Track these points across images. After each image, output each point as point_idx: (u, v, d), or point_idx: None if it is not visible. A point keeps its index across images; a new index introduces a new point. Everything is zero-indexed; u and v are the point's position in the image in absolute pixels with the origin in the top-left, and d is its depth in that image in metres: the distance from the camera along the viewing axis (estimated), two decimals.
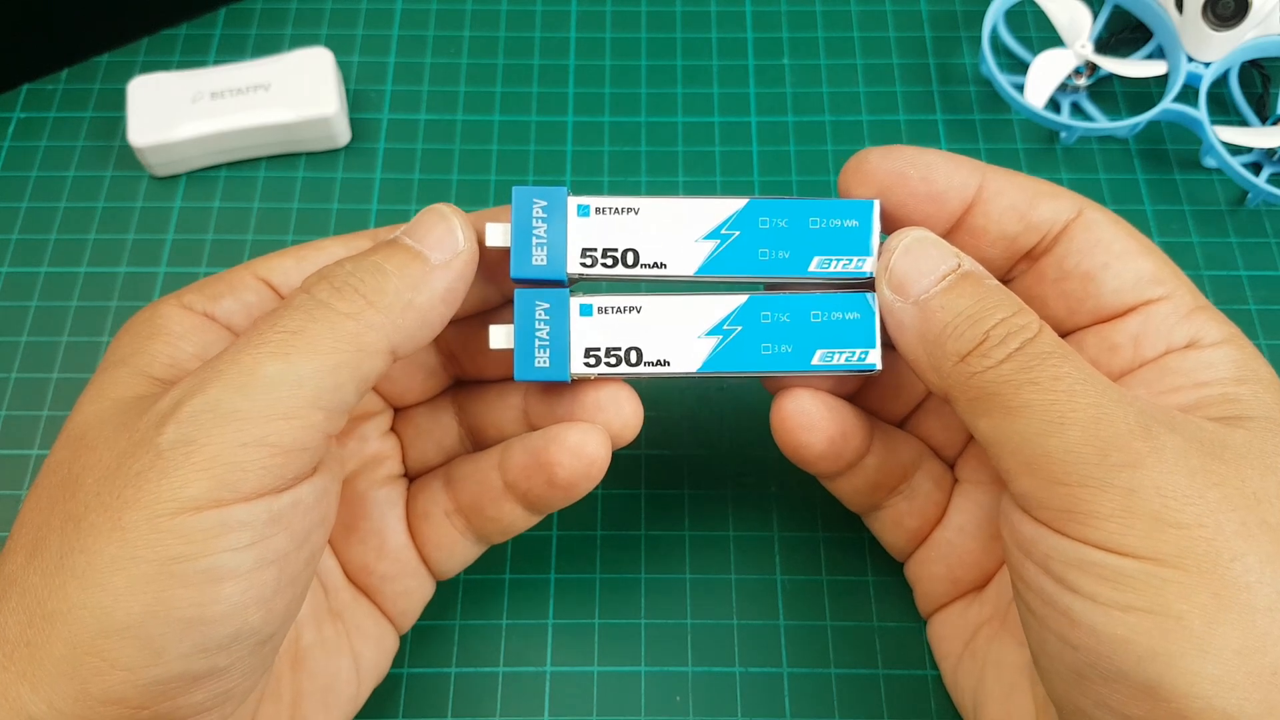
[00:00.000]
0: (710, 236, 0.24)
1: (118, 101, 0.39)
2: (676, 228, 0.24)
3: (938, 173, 0.24)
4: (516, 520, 0.26)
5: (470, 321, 0.26)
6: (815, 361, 0.24)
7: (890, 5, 0.41)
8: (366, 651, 0.26)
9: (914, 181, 0.24)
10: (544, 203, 0.24)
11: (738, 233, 0.24)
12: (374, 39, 0.40)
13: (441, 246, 0.23)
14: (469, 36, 0.40)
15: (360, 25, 0.41)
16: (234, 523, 0.20)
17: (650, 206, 0.24)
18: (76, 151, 0.38)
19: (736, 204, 0.24)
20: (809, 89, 0.39)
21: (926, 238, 0.23)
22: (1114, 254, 0.24)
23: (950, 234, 0.25)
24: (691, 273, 0.24)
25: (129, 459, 0.20)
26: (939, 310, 0.22)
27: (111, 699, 0.19)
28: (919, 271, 0.23)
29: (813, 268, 0.24)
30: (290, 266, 0.25)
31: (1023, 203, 0.24)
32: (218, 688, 0.20)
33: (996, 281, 0.23)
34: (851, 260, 0.24)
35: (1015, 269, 0.25)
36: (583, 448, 0.24)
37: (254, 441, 0.20)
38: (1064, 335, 0.25)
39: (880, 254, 0.24)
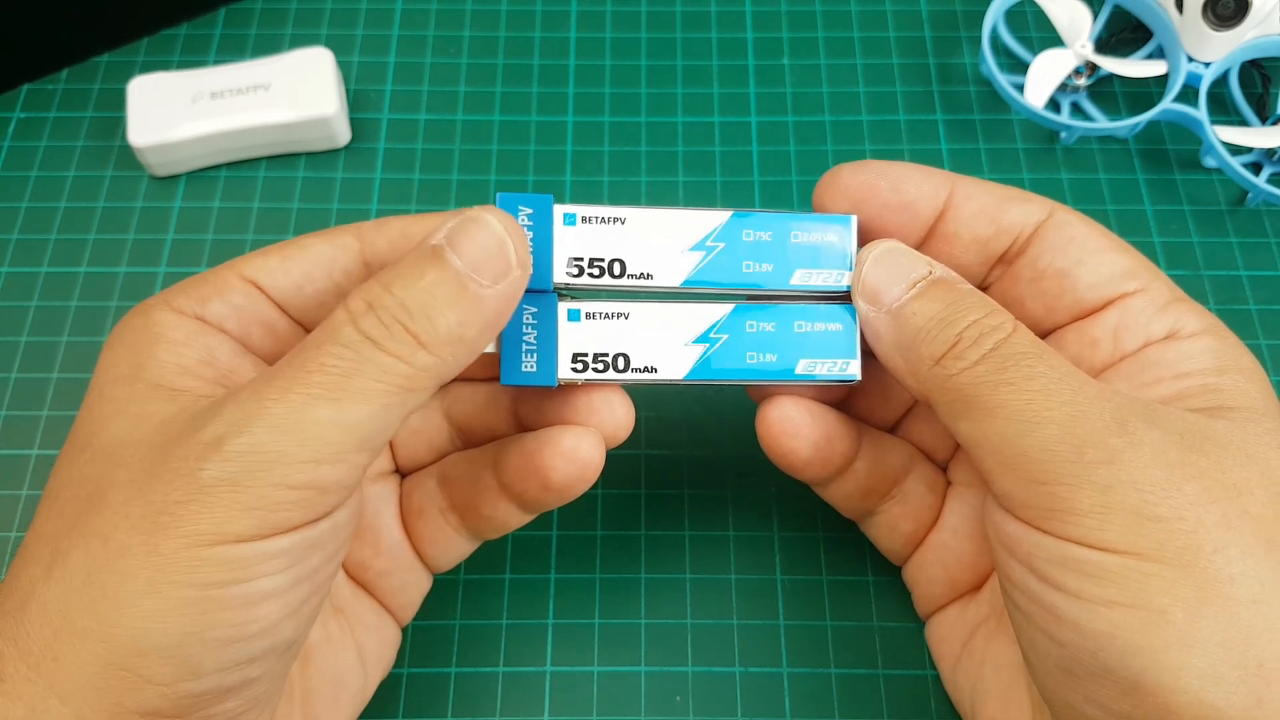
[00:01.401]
0: (696, 248, 0.24)
1: (118, 101, 0.39)
2: (663, 239, 0.24)
3: (908, 183, 0.24)
4: (511, 519, 0.26)
5: None
6: (799, 371, 0.24)
7: (890, 5, 0.41)
8: (370, 644, 0.26)
9: (885, 192, 0.24)
10: (530, 210, 0.23)
11: (723, 244, 0.24)
12: (374, 39, 0.40)
13: (493, 269, 0.21)
14: (469, 36, 0.40)
15: (360, 25, 0.41)
16: (275, 551, 0.20)
17: (637, 216, 0.24)
18: (76, 151, 0.38)
19: (721, 216, 0.24)
20: (809, 89, 0.39)
21: (896, 248, 0.24)
22: (1087, 250, 0.24)
23: (925, 242, 0.25)
24: (678, 284, 0.24)
25: (166, 486, 0.20)
26: (911, 316, 0.23)
27: (146, 711, 0.19)
28: (890, 280, 0.23)
29: (795, 281, 0.24)
30: (275, 266, 0.25)
31: (992, 206, 0.25)
32: (249, 694, 0.21)
33: (970, 286, 0.23)
34: (832, 274, 0.24)
35: (991, 274, 0.26)
36: (576, 451, 0.24)
37: (300, 484, 0.20)
38: (1044, 334, 0.25)
39: (854, 266, 0.24)
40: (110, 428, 0.22)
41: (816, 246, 0.24)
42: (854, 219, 0.24)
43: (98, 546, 0.19)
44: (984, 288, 0.26)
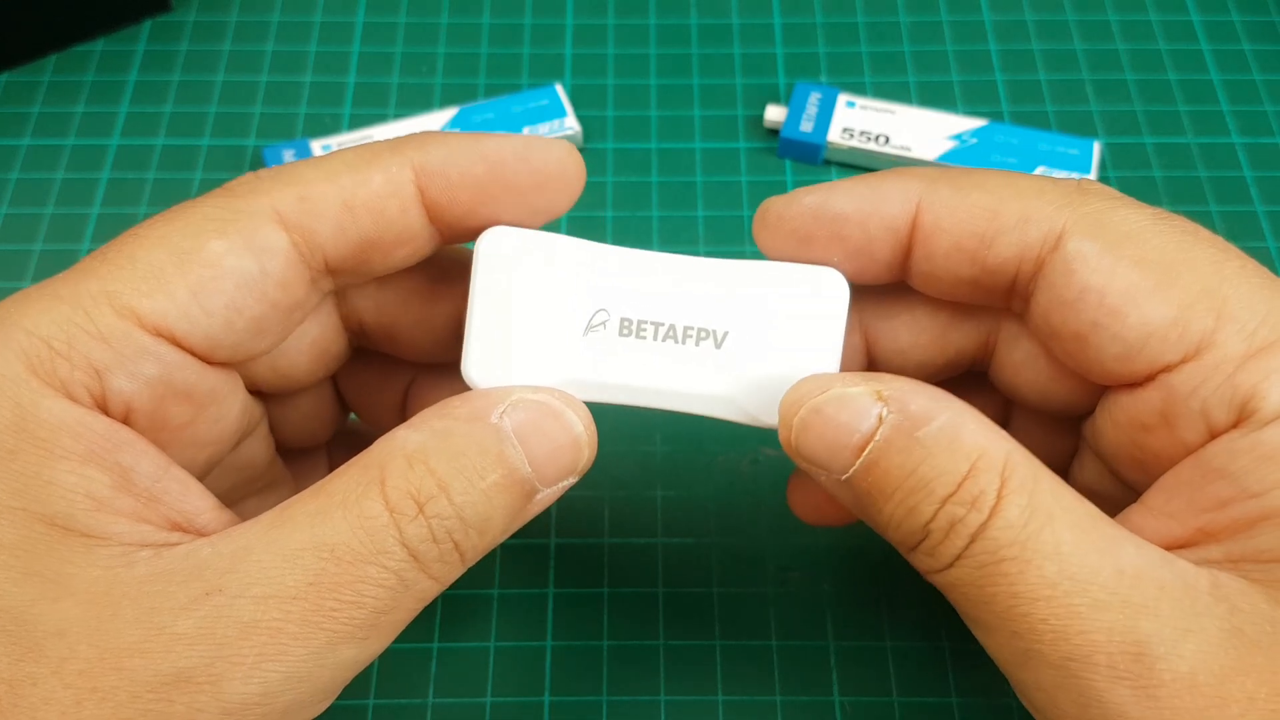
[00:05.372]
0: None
1: (114, 95, 0.34)
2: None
3: (849, 226, 0.19)
4: None
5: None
6: None
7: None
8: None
9: (822, 241, 0.19)
10: (293, 151, 0.26)
11: None
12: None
13: (558, 473, 0.19)
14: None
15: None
16: None
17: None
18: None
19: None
20: None
21: (827, 401, 0.18)
22: (1106, 308, 0.18)
23: (902, 277, 0.20)
24: None
25: None
26: (868, 495, 0.18)
27: None
28: (829, 450, 0.18)
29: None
30: (188, 303, 0.18)
31: (971, 241, 0.19)
32: None
33: (942, 420, 0.17)
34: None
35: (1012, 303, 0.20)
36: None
37: None
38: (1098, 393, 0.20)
39: (781, 411, 0.19)
40: (6, 591, 0.16)
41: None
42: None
43: None
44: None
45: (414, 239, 0.19)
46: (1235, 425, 0.17)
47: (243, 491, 0.22)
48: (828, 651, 0.26)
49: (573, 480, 0.19)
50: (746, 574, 0.27)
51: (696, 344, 0.19)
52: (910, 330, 0.21)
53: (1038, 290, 0.18)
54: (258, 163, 0.33)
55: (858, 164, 0.33)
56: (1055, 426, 0.22)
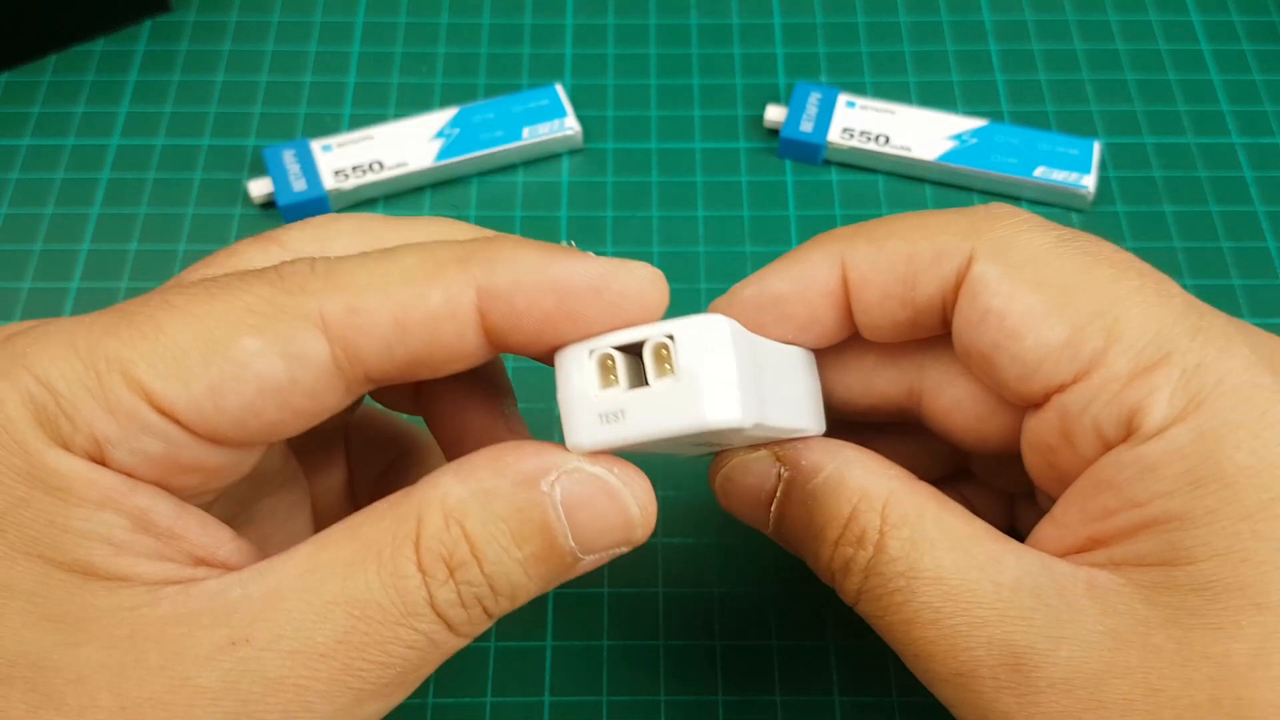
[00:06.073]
0: None
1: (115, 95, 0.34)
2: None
3: (790, 304, 0.20)
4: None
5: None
6: None
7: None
8: None
9: (773, 325, 0.20)
10: (293, 151, 0.30)
11: None
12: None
13: (605, 546, 0.18)
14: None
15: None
16: None
17: None
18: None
19: None
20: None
21: (732, 471, 0.20)
22: (1006, 331, 0.18)
23: (852, 335, 0.21)
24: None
25: None
26: (791, 547, 0.20)
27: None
28: (748, 511, 0.20)
29: None
30: (200, 394, 0.17)
31: (897, 287, 0.19)
32: None
33: (829, 469, 0.19)
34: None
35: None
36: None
37: None
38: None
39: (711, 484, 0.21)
40: (24, 637, 0.15)
41: None
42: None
43: None
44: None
45: (466, 357, 0.18)
46: (1123, 440, 0.17)
47: (255, 495, 0.21)
48: (828, 651, 0.26)
49: (624, 550, 0.18)
50: (746, 574, 0.27)
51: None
52: (833, 371, 0.21)
53: (954, 316, 0.19)
54: (258, 162, 0.33)
55: (858, 164, 0.33)
56: (1013, 465, 0.22)
